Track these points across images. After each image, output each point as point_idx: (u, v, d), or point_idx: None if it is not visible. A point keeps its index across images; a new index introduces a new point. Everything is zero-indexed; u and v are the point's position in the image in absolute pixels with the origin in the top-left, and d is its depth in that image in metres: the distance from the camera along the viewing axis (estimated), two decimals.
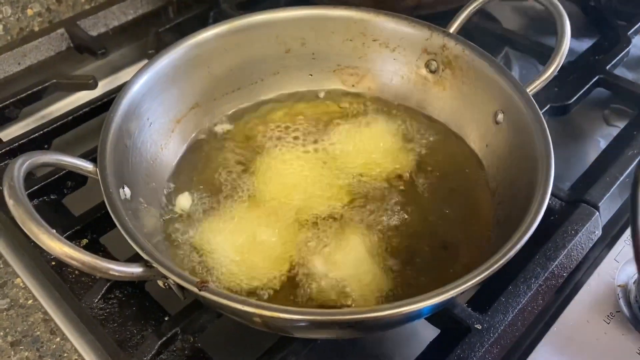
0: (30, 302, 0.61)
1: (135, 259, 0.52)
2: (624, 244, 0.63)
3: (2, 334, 0.58)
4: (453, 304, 0.54)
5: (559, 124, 0.83)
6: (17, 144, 0.70)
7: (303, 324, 0.45)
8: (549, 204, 0.63)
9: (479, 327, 0.52)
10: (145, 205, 0.57)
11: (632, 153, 0.67)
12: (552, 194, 0.64)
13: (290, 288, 0.54)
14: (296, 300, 0.53)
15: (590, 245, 0.61)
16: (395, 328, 0.54)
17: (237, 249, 0.56)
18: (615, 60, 0.81)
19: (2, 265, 0.64)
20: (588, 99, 0.81)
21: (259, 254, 0.56)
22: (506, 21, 0.93)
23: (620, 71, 0.83)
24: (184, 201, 0.61)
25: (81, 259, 0.42)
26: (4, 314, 0.60)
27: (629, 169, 0.66)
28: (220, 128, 0.70)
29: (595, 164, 0.69)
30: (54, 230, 0.43)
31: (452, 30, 0.67)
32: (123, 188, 0.54)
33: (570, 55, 0.84)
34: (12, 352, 0.57)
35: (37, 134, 0.71)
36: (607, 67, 0.80)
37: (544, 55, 0.68)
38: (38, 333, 0.58)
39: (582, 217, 0.61)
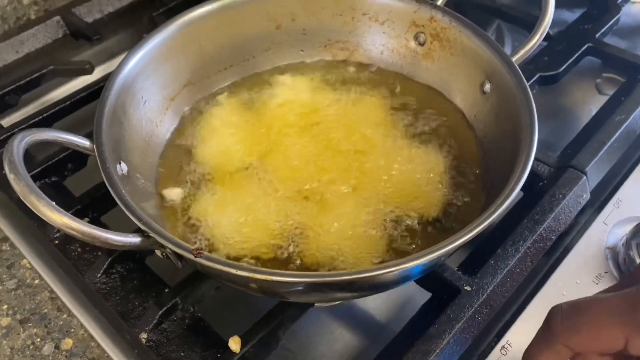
0: (37, 281, 0.63)
1: None
2: (613, 207, 0.64)
3: (11, 312, 0.60)
4: (443, 268, 0.55)
5: (552, 95, 0.83)
6: (17, 129, 0.71)
7: (297, 287, 0.46)
8: (537, 170, 0.64)
9: (468, 288, 0.53)
10: (143, 181, 0.58)
11: (619, 118, 0.68)
12: (540, 161, 0.65)
13: (288, 256, 0.55)
14: (294, 267, 0.54)
15: (579, 208, 0.62)
16: (389, 290, 0.56)
17: (235, 219, 0.57)
18: (604, 29, 0.81)
19: (8, 248, 0.65)
20: (581, 70, 0.81)
21: (257, 224, 0.57)
22: None
23: (613, 40, 0.83)
24: (174, 195, 0.61)
25: (80, 229, 0.43)
26: (12, 293, 0.62)
27: (617, 133, 0.66)
28: (213, 104, 0.70)
29: (584, 131, 0.70)
30: (54, 203, 0.44)
31: (439, 2, 0.68)
32: (120, 164, 0.54)
33: (560, 25, 0.85)
34: (22, 329, 0.59)
35: (36, 119, 0.72)
36: (597, 36, 0.80)
37: None
38: (45, 310, 0.60)
39: (569, 182, 0.62)
